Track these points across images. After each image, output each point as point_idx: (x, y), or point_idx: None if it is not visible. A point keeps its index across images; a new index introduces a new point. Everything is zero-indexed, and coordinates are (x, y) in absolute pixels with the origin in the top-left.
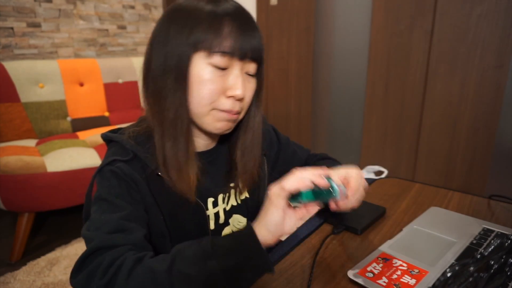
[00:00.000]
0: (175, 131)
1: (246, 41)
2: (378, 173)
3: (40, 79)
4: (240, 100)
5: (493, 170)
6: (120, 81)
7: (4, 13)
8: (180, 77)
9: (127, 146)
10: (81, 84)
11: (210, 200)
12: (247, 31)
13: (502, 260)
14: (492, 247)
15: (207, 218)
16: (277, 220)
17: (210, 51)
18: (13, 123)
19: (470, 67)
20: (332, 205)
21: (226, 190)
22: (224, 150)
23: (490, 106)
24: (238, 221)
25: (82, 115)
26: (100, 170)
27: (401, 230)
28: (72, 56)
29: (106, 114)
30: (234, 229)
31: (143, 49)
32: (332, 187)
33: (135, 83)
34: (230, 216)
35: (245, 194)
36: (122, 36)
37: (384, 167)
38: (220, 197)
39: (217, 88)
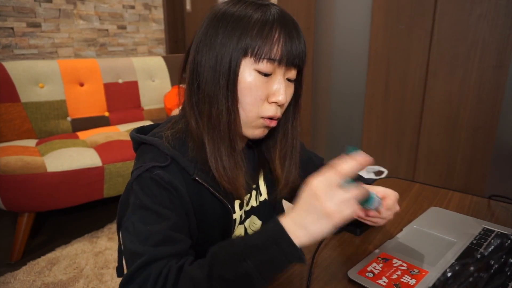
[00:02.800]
0: (230, 133)
1: (293, 48)
2: (378, 173)
3: (40, 79)
4: (282, 105)
5: (493, 170)
6: (120, 81)
7: (4, 13)
8: (231, 82)
9: (165, 151)
10: (81, 84)
11: (237, 202)
12: (293, 37)
13: (502, 260)
14: (492, 247)
15: (232, 221)
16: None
17: (258, 57)
18: (13, 123)
19: (470, 67)
20: (364, 217)
21: (249, 191)
22: (251, 152)
23: (490, 106)
24: (253, 223)
25: (82, 115)
26: (138, 176)
27: (401, 230)
28: (72, 56)
29: (106, 114)
30: (249, 230)
31: (143, 49)
32: (369, 195)
33: (135, 83)
34: (249, 217)
35: (265, 196)
36: (122, 36)
37: (384, 167)
38: (246, 197)
39: (262, 94)
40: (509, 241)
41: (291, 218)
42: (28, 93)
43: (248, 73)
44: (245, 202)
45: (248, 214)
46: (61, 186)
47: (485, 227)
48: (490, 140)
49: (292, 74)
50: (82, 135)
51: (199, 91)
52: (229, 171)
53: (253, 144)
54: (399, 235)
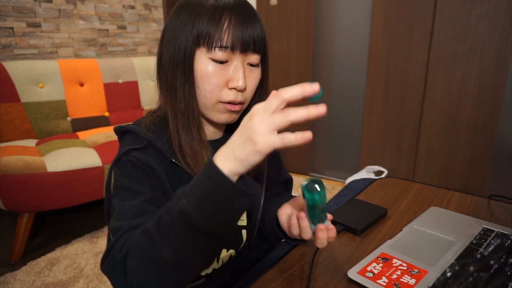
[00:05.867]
0: (188, 121)
1: (246, 34)
2: (378, 173)
3: (40, 79)
4: (242, 90)
5: (493, 170)
6: (120, 81)
7: (4, 13)
8: (187, 71)
9: (141, 135)
10: (81, 84)
11: None
12: (246, 24)
13: (502, 260)
14: (492, 247)
15: None
16: (257, 162)
17: (210, 46)
18: (13, 123)
19: (470, 67)
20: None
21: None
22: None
23: (490, 106)
24: None
25: (82, 115)
26: (117, 160)
27: (401, 230)
28: (72, 56)
29: (106, 114)
30: None
31: (143, 49)
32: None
33: (135, 83)
34: None
35: None
36: (122, 36)
37: (384, 167)
38: None
39: (220, 81)
40: (509, 241)
41: (225, 145)
42: (28, 93)
43: (203, 62)
44: None
45: None
46: (61, 186)
47: (485, 227)
48: (490, 140)
49: (254, 59)
50: (82, 135)
51: (163, 81)
52: (189, 157)
53: (231, 131)
54: (399, 235)
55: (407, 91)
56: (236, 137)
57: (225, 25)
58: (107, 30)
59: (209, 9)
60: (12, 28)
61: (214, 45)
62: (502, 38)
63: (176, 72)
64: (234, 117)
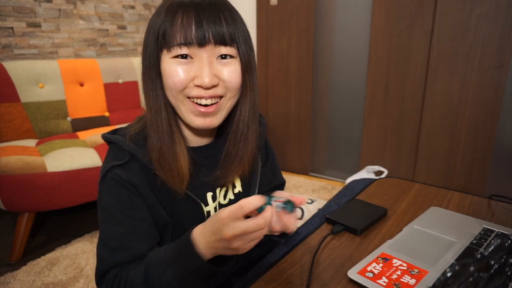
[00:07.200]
0: (162, 126)
1: (202, 29)
2: (378, 173)
3: (40, 79)
4: (212, 87)
5: (493, 170)
6: (120, 81)
7: (4, 13)
8: (155, 76)
9: (124, 147)
10: (81, 84)
11: (209, 195)
12: (201, 18)
13: (502, 260)
14: (492, 247)
15: (204, 213)
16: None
17: (169, 46)
18: (13, 123)
19: (470, 67)
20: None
21: (223, 184)
22: (221, 143)
23: (490, 106)
24: None
25: (82, 115)
26: (103, 177)
27: (401, 230)
28: (72, 56)
29: (106, 114)
30: None
31: None
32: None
33: (135, 83)
34: None
35: (239, 188)
36: (122, 36)
37: (384, 167)
38: (218, 191)
39: (185, 77)
40: (509, 241)
41: (203, 239)
42: (28, 93)
43: (168, 63)
44: (221, 195)
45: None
46: (61, 186)
47: (485, 227)
48: (490, 140)
49: (224, 51)
50: (82, 135)
51: (143, 88)
52: (166, 164)
53: (222, 135)
54: (399, 235)
55: (407, 91)
56: (215, 244)
57: (178, 23)
58: (107, 30)
59: (165, 10)
60: (12, 28)
61: (171, 45)
62: (502, 38)
63: (147, 78)
64: (209, 121)
